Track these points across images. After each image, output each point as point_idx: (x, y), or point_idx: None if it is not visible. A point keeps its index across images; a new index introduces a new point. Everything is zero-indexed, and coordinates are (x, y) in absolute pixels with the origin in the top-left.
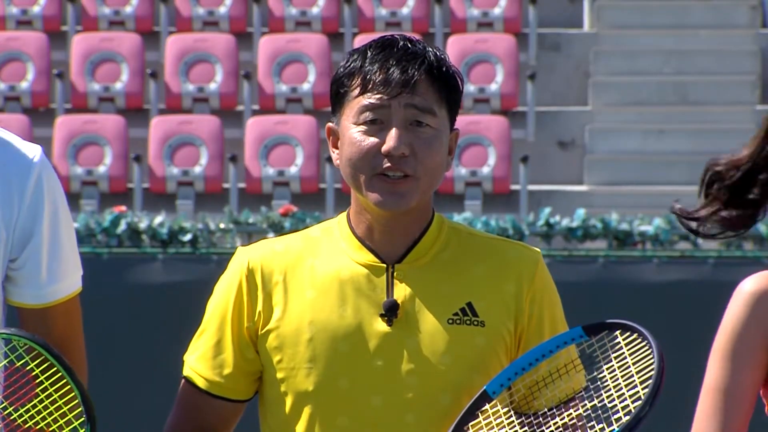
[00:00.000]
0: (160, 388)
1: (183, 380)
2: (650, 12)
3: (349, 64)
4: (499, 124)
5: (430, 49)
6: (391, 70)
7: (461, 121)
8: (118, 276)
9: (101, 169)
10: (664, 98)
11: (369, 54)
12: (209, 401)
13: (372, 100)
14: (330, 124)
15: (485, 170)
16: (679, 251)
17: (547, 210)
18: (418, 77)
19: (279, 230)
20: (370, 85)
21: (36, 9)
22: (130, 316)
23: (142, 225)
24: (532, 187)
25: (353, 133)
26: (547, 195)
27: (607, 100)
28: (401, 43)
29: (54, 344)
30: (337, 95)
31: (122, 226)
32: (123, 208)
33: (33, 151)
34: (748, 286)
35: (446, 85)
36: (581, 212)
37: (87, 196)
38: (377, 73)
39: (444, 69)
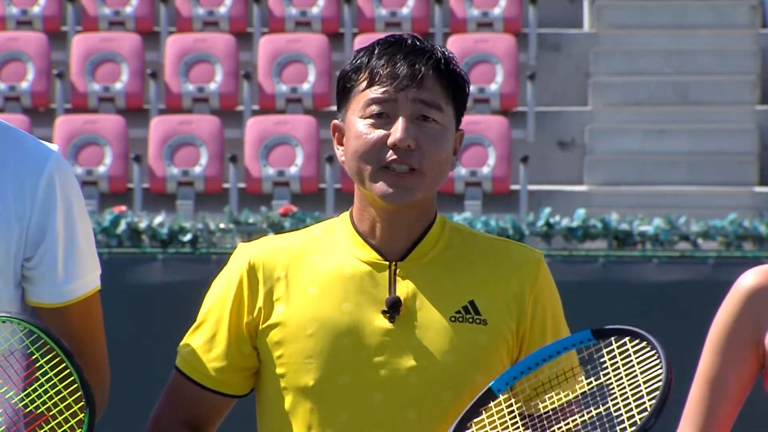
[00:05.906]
0: (159, 388)
1: (174, 370)
2: (650, 12)
3: (356, 60)
4: (499, 124)
5: (438, 47)
6: (399, 64)
7: None
8: (118, 276)
9: (101, 169)
10: (664, 98)
11: (377, 50)
12: (200, 393)
13: (379, 94)
14: (335, 121)
15: (485, 170)
16: (679, 251)
17: (547, 210)
18: (425, 72)
19: (279, 230)
20: (377, 79)
21: (36, 9)
22: (130, 316)
23: (142, 225)
24: (532, 187)
25: (359, 126)
26: (547, 195)
27: (607, 100)
28: (409, 40)
29: (73, 345)
30: (343, 90)
31: (122, 226)
32: (123, 208)
33: (48, 150)
34: (744, 281)
35: (454, 83)
36: (581, 212)
37: (87, 196)
38: (385, 67)
39: (452, 67)
